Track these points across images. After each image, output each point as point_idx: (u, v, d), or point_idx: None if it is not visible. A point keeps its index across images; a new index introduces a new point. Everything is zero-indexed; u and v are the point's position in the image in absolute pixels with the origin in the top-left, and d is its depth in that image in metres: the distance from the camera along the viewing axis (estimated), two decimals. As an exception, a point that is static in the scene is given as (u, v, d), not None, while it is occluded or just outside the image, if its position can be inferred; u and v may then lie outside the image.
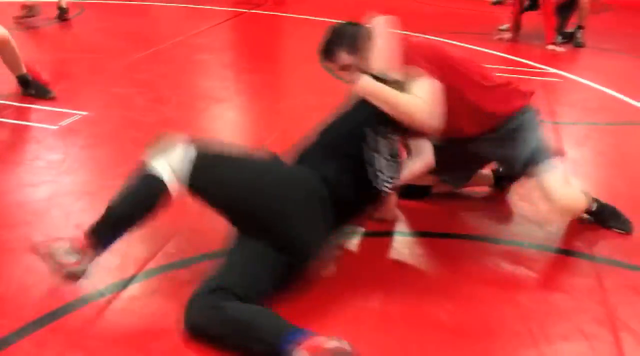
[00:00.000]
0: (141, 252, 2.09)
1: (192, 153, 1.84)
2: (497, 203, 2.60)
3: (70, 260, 1.79)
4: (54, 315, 1.77)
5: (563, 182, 2.21)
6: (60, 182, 2.63)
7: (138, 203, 1.85)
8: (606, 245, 2.29)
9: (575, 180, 2.50)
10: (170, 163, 1.82)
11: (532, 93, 2.31)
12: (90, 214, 1.96)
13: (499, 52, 5.25)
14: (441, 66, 2.06)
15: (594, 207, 2.36)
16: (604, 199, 2.38)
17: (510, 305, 1.92)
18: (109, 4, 6.80)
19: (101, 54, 4.73)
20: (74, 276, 1.81)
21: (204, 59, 4.82)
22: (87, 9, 6.37)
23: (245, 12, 6.56)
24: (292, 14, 6.70)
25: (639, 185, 2.86)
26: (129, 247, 2.04)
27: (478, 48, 5.34)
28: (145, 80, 4.15)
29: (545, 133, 2.30)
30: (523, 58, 5.05)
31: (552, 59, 5.08)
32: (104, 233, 1.84)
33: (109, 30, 5.76)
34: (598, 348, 1.75)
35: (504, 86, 2.24)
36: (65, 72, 4.27)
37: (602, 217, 2.38)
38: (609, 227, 2.37)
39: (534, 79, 4.48)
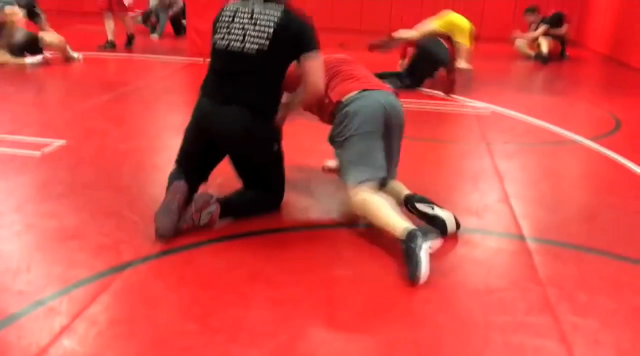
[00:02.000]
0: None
1: None
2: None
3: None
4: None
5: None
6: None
7: None
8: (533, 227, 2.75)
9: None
10: None
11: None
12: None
13: (434, 90, 5.85)
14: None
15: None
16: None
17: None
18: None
19: (67, 96, 5.01)
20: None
21: (169, 98, 5.19)
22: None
23: (201, 61, 6.97)
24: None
25: (560, 186, 3.42)
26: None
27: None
28: (117, 117, 4.47)
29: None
30: (458, 95, 5.66)
31: (482, 95, 5.70)
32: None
33: (70, 78, 6.05)
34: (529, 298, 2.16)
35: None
36: (32, 112, 4.52)
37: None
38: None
39: (467, 112, 5.05)
